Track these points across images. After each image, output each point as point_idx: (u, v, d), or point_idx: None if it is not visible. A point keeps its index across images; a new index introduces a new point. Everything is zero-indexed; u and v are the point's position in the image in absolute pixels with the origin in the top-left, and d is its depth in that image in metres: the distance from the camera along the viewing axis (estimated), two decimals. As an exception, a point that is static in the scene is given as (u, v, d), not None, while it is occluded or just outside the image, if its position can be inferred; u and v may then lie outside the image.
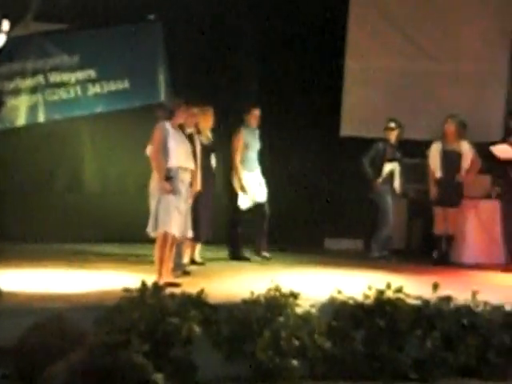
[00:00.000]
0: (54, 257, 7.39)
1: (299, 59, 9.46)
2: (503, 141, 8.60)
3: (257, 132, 8.41)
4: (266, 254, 8.28)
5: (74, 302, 5.31)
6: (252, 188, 8.20)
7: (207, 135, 7.73)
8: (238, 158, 8.18)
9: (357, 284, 6.18)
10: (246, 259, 8.23)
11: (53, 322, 2.07)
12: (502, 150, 8.26)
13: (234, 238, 8.36)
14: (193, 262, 7.55)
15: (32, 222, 8.33)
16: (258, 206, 8.25)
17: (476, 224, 8.86)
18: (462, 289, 6.12)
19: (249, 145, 8.26)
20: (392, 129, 8.75)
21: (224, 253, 8.44)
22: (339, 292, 5.67)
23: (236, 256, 8.29)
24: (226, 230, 8.39)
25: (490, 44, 9.75)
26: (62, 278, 6.38)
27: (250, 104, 8.52)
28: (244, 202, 8.19)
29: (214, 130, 7.87)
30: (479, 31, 9.72)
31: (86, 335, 2.01)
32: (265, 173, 8.90)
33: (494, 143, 8.70)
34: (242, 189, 8.13)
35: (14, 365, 1.95)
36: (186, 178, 6.60)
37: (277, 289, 5.55)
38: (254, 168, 8.31)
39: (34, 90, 8.52)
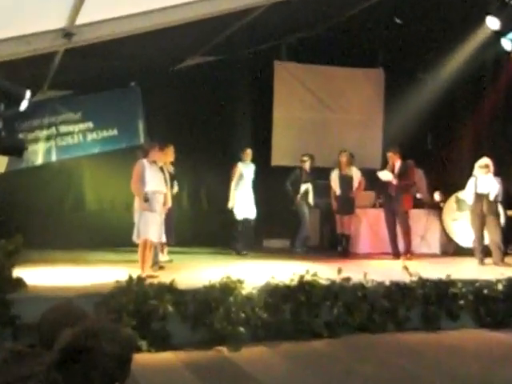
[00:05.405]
0: (64, 259, 7.20)
1: (241, 112, 9.39)
2: (383, 167, 8.71)
3: (250, 165, 8.36)
4: (245, 252, 8.24)
5: (80, 292, 5.19)
6: (243, 205, 8.20)
7: (168, 167, 7.43)
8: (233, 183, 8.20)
9: (285, 271, 6.16)
10: (243, 254, 8.15)
11: (63, 305, 2.07)
12: (384, 175, 8.30)
13: (234, 239, 8.33)
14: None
15: (48, 234, 8.09)
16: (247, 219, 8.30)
17: (366, 225, 8.88)
18: (357, 271, 6.15)
19: (243, 174, 8.23)
20: (305, 161, 8.78)
21: (187, 250, 8.28)
22: (272, 277, 5.71)
23: (236, 252, 8.21)
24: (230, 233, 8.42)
25: (369, 103, 10.07)
26: (69, 274, 6.23)
27: (244, 145, 8.49)
28: (238, 215, 8.21)
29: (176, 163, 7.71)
30: (362, 94, 10.01)
31: (88, 315, 2.02)
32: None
33: (376, 169, 8.85)
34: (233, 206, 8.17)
35: (36, 336, 1.95)
36: (160, 199, 6.53)
37: (228, 277, 5.54)
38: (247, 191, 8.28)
39: (48, 138, 8.44)
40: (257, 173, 8.53)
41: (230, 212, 8.30)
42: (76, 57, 5.79)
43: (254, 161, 8.46)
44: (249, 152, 8.34)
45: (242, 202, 8.21)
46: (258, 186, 8.60)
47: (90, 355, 1.39)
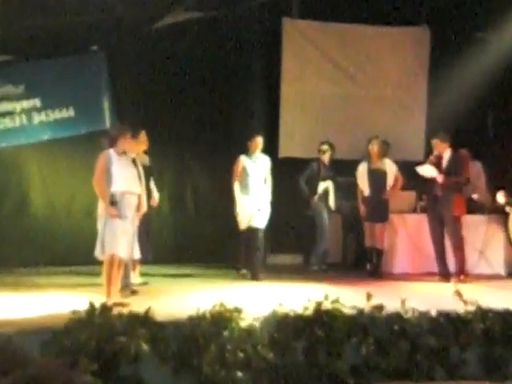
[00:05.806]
0: (1, 282, 7.20)
1: (240, 88, 9.44)
2: (427, 159, 8.67)
3: (260, 159, 8.23)
4: (244, 271, 8.22)
5: (22, 327, 5.18)
6: (248, 212, 8.10)
7: (141, 158, 7.44)
8: (235, 183, 8.14)
9: (297, 296, 6.20)
10: (243, 275, 8.16)
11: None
12: (426, 171, 8.25)
13: (237, 253, 8.35)
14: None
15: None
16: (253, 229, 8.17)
17: (404, 236, 8.88)
18: (393, 297, 6.14)
19: (247, 171, 8.14)
20: (324, 151, 8.82)
21: (168, 270, 8.35)
22: (280, 305, 5.69)
23: (236, 271, 8.26)
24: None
25: (409, 73, 10.13)
26: (9, 303, 6.20)
27: (254, 132, 8.40)
28: (241, 224, 8.14)
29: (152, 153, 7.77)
30: (399, 62, 10.08)
31: (32, 358, 1.99)
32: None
33: (418, 162, 8.83)
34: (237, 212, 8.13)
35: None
36: (132, 201, 6.53)
37: (221, 304, 5.54)
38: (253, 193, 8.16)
39: None
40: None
41: (230, 219, 8.31)
42: (14, 8, 5.75)
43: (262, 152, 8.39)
44: (258, 141, 8.18)
45: (246, 208, 8.13)
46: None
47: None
